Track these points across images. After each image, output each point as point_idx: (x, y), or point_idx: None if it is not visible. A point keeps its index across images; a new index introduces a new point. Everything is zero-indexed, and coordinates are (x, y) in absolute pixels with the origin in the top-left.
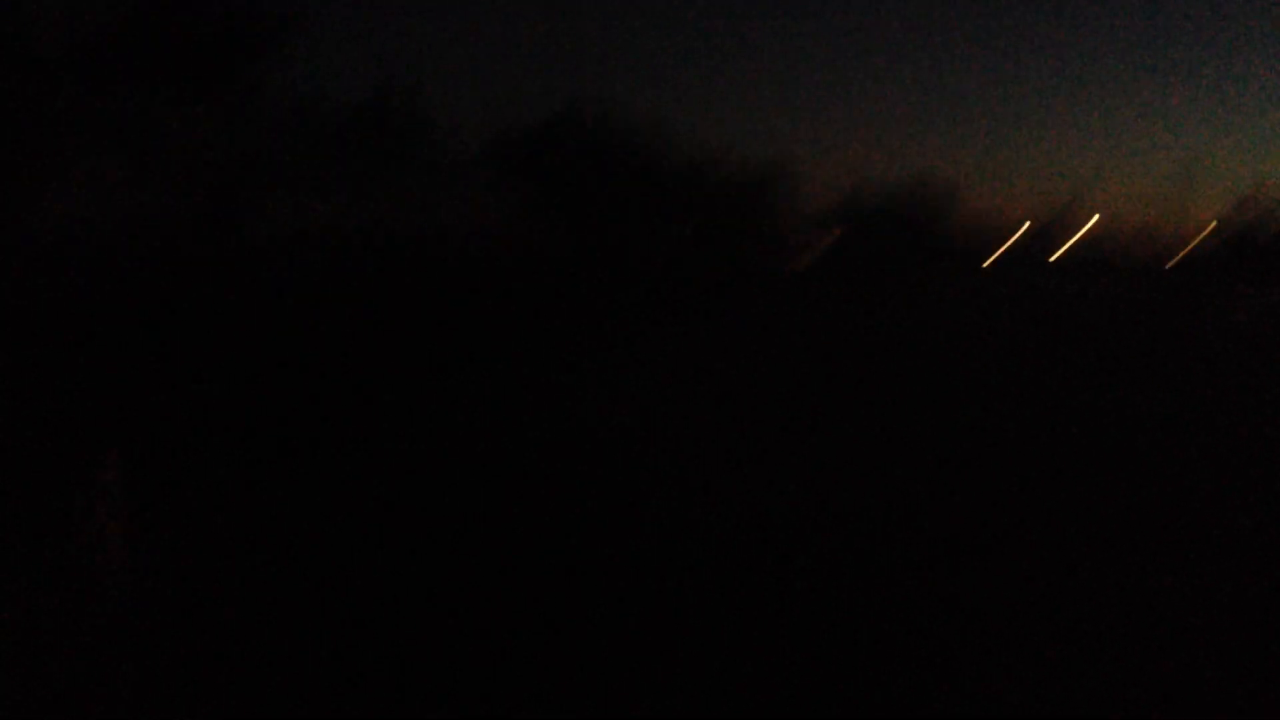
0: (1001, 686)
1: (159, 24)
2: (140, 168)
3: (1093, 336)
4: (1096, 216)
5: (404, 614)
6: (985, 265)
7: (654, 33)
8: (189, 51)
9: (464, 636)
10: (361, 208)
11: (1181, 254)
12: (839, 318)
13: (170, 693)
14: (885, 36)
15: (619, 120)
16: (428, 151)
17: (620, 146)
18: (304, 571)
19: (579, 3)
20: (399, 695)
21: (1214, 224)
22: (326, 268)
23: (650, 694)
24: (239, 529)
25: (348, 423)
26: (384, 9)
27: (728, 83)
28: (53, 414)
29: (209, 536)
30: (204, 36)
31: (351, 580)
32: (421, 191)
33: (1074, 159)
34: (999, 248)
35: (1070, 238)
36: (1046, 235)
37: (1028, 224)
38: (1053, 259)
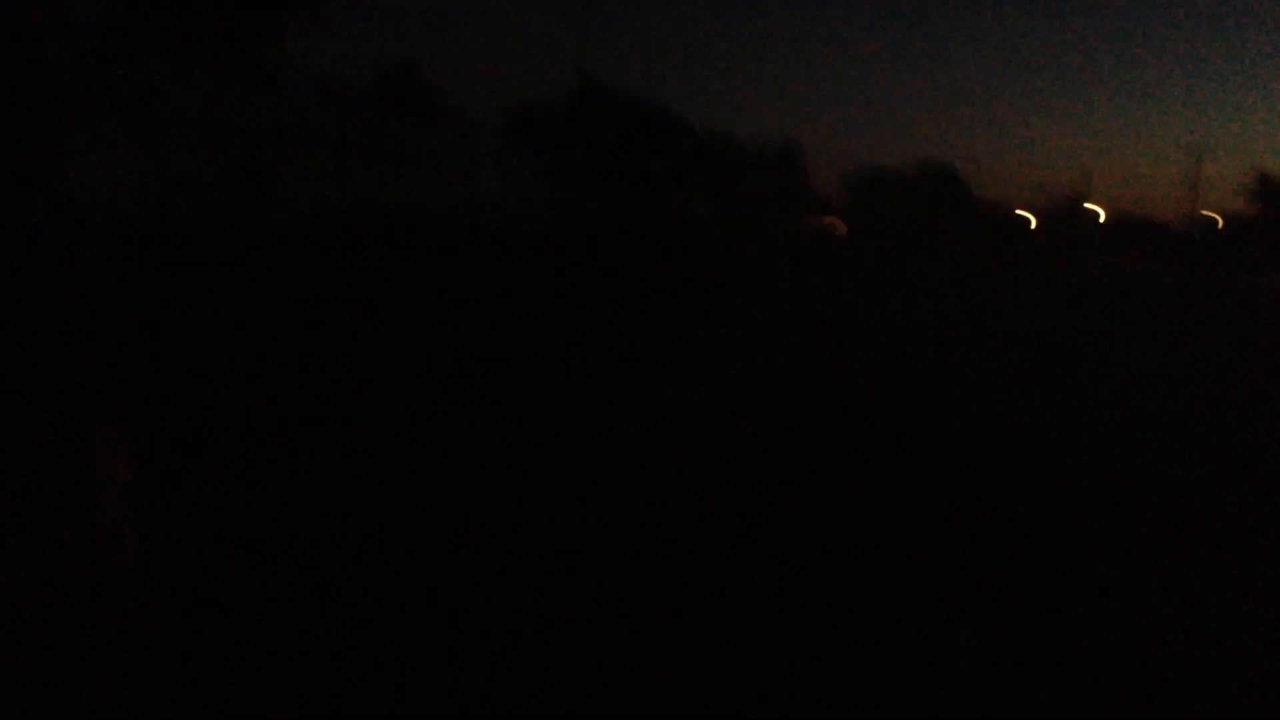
0: (1001, 686)
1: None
2: (163, 140)
3: (1098, 326)
4: (1100, 211)
5: (404, 614)
6: (987, 255)
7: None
8: (214, 25)
9: (464, 636)
10: (384, 181)
11: (1182, 245)
12: (842, 307)
13: (170, 693)
14: (895, 26)
15: (639, 95)
16: (448, 125)
17: (641, 122)
18: (304, 571)
19: None
20: (399, 695)
21: (1215, 215)
22: (346, 242)
23: (650, 694)
24: (245, 523)
25: (363, 414)
26: None
27: (744, 70)
28: (58, 399)
29: (214, 533)
30: (230, 9)
31: (352, 580)
32: (442, 164)
33: (1079, 149)
34: (1000, 239)
35: (1074, 227)
36: (1049, 224)
37: (1031, 217)
38: (1056, 247)
